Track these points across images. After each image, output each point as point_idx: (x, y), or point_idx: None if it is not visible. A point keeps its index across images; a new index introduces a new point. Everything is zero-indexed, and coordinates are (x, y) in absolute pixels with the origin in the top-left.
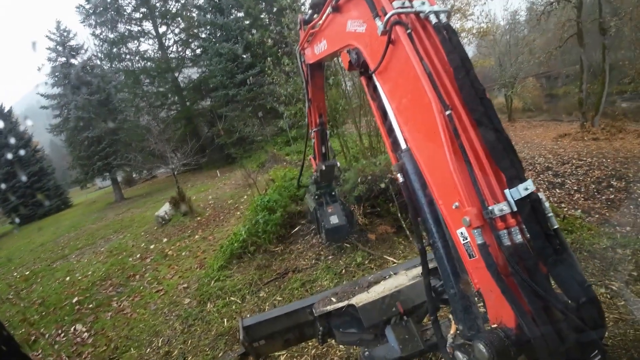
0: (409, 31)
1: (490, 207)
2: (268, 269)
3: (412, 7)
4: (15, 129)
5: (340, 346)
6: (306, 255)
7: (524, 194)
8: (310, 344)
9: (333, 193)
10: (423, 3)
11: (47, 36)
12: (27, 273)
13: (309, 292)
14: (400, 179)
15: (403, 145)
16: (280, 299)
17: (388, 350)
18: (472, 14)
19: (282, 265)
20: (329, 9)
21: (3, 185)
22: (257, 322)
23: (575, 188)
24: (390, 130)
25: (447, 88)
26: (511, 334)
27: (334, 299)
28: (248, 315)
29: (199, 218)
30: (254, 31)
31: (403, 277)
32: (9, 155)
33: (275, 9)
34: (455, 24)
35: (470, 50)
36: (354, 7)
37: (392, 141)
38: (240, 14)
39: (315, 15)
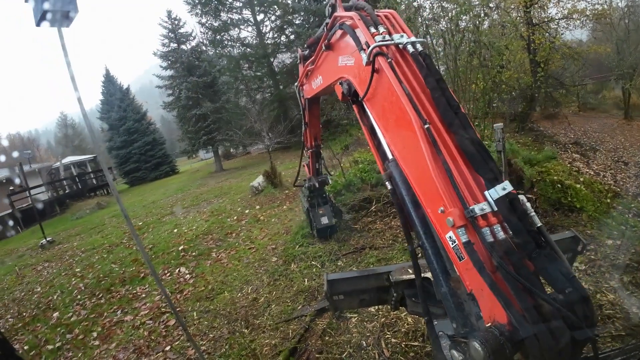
0: (389, 60)
1: (471, 207)
2: (347, 242)
3: (392, 39)
4: (133, 104)
5: (408, 319)
6: (384, 235)
7: (501, 193)
8: (380, 312)
9: (324, 195)
10: (402, 36)
11: (160, 24)
12: (140, 224)
13: None
14: (389, 186)
15: (390, 156)
16: (356, 269)
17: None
18: None
19: (360, 241)
20: (322, 48)
21: (122, 151)
22: (340, 278)
23: None
24: (378, 146)
25: (425, 106)
26: (504, 330)
27: (410, 270)
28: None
29: (287, 191)
30: None
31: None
32: (128, 126)
33: None
34: (567, 4)
35: (583, 34)
36: (343, 44)
37: (380, 154)
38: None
39: (312, 53)
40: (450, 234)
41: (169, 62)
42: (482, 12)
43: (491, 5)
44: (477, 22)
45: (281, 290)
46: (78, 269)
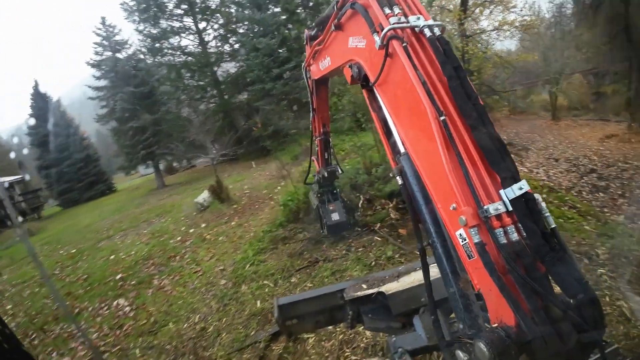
0: (404, 44)
1: (485, 207)
2: (300, 256)
3: (407, 22)
4: (64, 118)
5: (367, 333)
6: (337, 245)
7: (518, 193)
8: (338, 329)
9: (335, 191)
10: (418, 18)
11: (94, 32)
12: (74, 251)
13: (339, 280)
14: (400, 181)
15: (402, 150)
16: (310, 285)
17: (415, 339)
18: (514, 6)
19: (314, 254)
20: (331, 27)
21: (52, 170)
22: (291, 302)
23: (620, 192)
24: (389, 137)
25: (441, 96)
26: (511, 332)
27: (364, 286)
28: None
29: (235, 206)
30: (290, 26)
31: (433, 270)
32: (59, 142)
33: (311, 4)
34: (497, 16)
35: (512, 44)
36: (354, 25)
37: (391, 146)
38: (277, 9)
39: (319, 33)
40: (461, 231)
41: (103, 71)
42: None
43: None
44: None
45: (232, 315)
46: (9, 307)
